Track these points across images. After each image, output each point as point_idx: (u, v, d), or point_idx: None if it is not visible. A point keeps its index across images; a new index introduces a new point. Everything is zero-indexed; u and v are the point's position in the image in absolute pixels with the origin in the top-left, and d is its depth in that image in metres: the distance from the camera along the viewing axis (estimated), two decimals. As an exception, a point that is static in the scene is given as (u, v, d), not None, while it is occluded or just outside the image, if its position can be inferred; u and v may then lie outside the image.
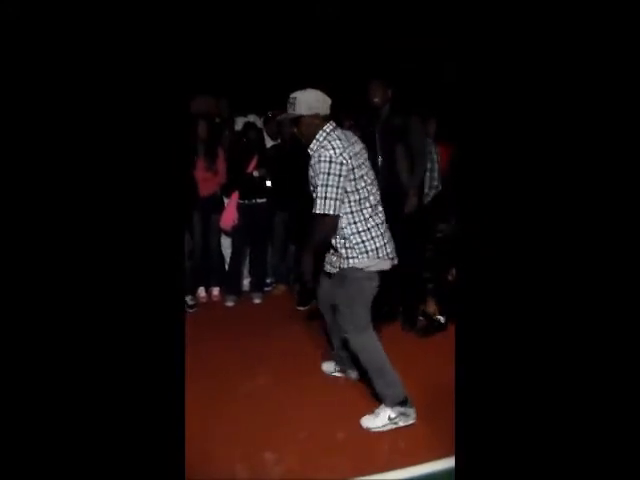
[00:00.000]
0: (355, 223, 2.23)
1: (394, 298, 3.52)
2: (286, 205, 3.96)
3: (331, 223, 2.18)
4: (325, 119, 2.26)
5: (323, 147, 2.17)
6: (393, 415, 2.22)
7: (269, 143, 4.19)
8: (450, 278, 3.16)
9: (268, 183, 3.92)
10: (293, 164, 3.83)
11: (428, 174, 3.57)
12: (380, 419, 2.23)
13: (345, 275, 2.27)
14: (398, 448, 2.03)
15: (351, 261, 2.24)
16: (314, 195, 2.22)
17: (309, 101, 2.22)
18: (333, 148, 2.15)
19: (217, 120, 4.42)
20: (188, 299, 3.83)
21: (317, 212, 2.13)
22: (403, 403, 2.24)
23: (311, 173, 2.26)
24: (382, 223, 2.31)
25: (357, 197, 2.21)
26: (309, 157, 2.28)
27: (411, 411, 2.25)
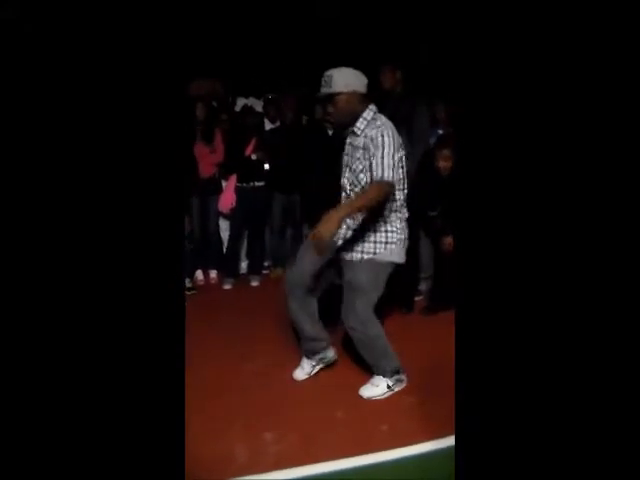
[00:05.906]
0: (396, 211, 2.24)
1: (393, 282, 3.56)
2: (284, 188, 3.96)
3: (389, 189, 2.10)
4: (363, 98, 2.17)
5: (378, 127, 2.12)
6: (391, 383, 2.36)
7: (268, 126, 4.18)
8: (447, 247, 3.18)
9: (266, 166, 3.91)
10: (292, 147, 3.83)
11: None
12: (380, 388, 2.35)
13: (375, 261, 2.22)
14: (397, 426, 2.06)
15: (388, 246, 2.23)
16: (359, 173, 2.19)
17: (346, 78, 2.12)
18: (391, 128, 2.14)
19: (214, 103, 4.41)
20: (186, 282, 3.84)
21: (378, 179, 2.05)
22: (399, 371, 2.38)
23: (357, 155, 2.19)
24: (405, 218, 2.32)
25: (400, 187, 2.21)
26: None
27: (404, 376, 2.41)
